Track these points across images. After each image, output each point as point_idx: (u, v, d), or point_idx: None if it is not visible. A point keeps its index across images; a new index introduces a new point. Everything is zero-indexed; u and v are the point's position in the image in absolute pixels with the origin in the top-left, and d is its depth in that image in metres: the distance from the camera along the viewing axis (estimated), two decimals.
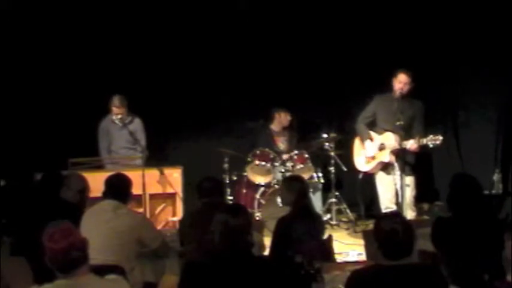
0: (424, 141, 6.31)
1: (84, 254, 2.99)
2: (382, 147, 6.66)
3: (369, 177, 7.03)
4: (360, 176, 7.19)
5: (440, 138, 6.26)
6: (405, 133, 6.45)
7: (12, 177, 7.07)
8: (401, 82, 6.53)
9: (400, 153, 6.43)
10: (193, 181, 5.49)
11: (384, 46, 7.79)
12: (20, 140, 7.55)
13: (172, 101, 8.02)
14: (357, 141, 7.02)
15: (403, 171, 6.48)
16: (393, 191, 6.58)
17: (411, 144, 6.36)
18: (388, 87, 6.65)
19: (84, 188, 4.99)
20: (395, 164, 6.48)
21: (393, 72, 6.59)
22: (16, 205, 6.09)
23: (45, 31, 7.64)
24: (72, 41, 7.73)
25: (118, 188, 4.65)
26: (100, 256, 4.04)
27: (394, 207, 6.49)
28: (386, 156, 6.58)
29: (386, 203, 6.65)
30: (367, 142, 6.79)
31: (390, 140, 6.54)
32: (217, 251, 3.18)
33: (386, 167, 6.66)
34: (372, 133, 6.81)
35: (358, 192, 7.55)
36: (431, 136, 6.28)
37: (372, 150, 6.75)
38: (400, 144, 6.40)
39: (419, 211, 7.04)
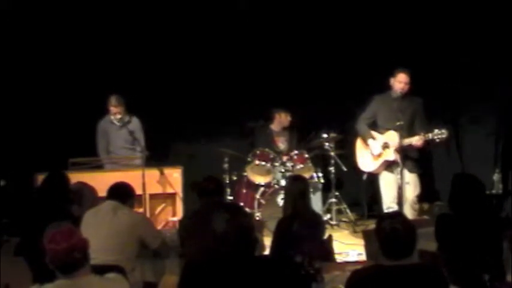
0: (430, 136, 6.30)
1: (85, 254, 3.00)
2: (386, 146, 6.63)
3: (372, 177, 7.02)
4: (364, 176, 7.18)
5: (446, 132, 6.26)
6: (407, 131, 6.44)
7: (12, 177, 7.08)
8: (401, 82, 6.51)
9: (402, 151, 6.42)
10: (193, 181, 5.49)
11: (384, 46, 7.79)
12: (20, 140, 7.55)
13: (172, 101, 8.02)
14: (359, 142, 6.97)
15: (408, 169, 6.49)
16: (396, 190, 6.56)
17: (416, 140, 6.35)
18: (387, 87, 6.64)
19: (95, 203, 4.92)
20: (400, 163, 6.47)
21: (392, 73, 6.58)
22: (16, 205, 6.09)
23: (45, 31, 7.64)
24: (72, 41, 7.73)
25: (119, 190, 4.68)
26: (100, 256, 4.04)
27: (396, 207, 6.48)
28: (391, 155, 6.54)
29: (389, 203, 6.63)
30: (370, 141, 6.75)
31: (393, 138, 6.51)
32: (221, 250, 3.17)
33: (390, 166, 6.63)
34: (374, 133, 6.78)
35: (362, 192, 7.55)
36: (436, 131, 6.28)
37: (376, 149, 6.71)
38: (401, 143, 6.39)
39: (420, 211, 7.02)
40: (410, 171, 6.55)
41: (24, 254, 4.40)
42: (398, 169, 6.46)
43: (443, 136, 6.28)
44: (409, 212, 6.46)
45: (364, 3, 7.84)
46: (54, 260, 2.94)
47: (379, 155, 6.69)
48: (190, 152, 8.16)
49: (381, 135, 6.71)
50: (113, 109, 7.15)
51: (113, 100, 7.13)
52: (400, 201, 6.52)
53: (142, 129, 7.28)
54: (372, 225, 6.97)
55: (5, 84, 7.53)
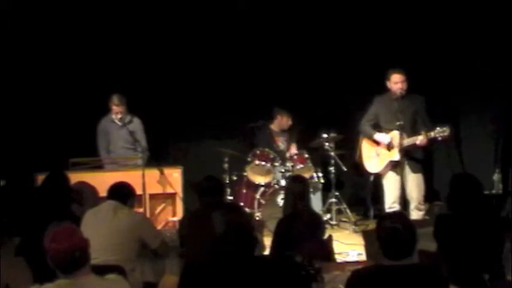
0: (432, 134, 6.26)
1: (86, 254, 3.01)
2: (390, 147, 6.62)
3: (376, 177, 7.02)
4: (371, 178, 7.18)
5: (448, 129, 6.23)
6: (410, 131, 6.43)
7: (12, 177, 7.08)
8: (397, 82, 6.49)
9: (404, 151, 6.42)
10: (193, 181, 5.49)
11: (384, 46, 7.79)
12: (20, 140, 7.55)
13: (172, 101, 8.02)
14: (365, 144, 6.92)
15: (411, 169, 6.49)
16: (398, 190, 6.56)
17: (420, 140, 6.32)
18: (386, 88, 6.64)
19: (96, 202, 4.94)
20: (405, 163, 6.47)
21: (386, 76, 6.56)
22: (16, 205, 6.09)
23: (45, 31, 7.64)
24: (72, 41, 7.74)
25: (119, 190, 4.69)
26: (101, 256, 4.05)
27: (397, 207, 6.48)
28: (396, 155, 6.52)
29: (390, 203, 6.62)
30: (377, 135, 6.69)
31: (397, 138, 6.51)
32: (222, 251, 3.17)
33: (395, 166, 6.62)
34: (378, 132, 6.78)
35: (368, 194, 7.55)
36: (438, 129, 6.25)
37: (385, 139, 6.63)
38: (401, 143, 6.38)
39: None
40: (414, 171, 6.54)
41: (25, 254, 4.40)
42: (403, 169, 6.45)
43: (445, 134, 6.24)
44: (415, 213, 6.47)
45: (364, 3, 7.84)
46: (55, 259, 2.94)
47: (390, 146, 6.64)
48: (190, 152, 8.16)
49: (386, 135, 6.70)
50: (114, 108, 7.13)
51: (115, 99, 7.12)
52: (402, 201, 6.53)
53: (143, 130, 7.29)
54: (372, 225, 6.99)
55: (5, 84, 7.52)
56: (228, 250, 3.15)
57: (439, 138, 6.29)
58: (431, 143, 6.43)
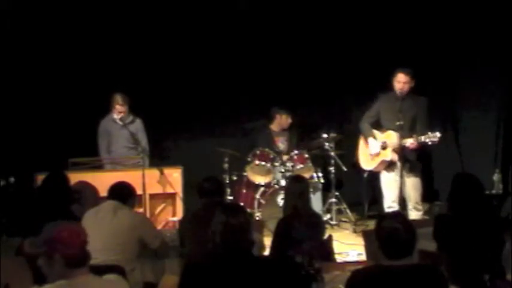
0: (422, 138, 6.28)
1: (88, 254, 3.00)
2: (384, 146, 6.63)
3: (374, 176, 7.03)
4: (365, 174, 7.21)
5: (438, 135, 6.22)
6: (409, 132, 6.43)
7: (12, 177, 7.08)
8: (400, 82, 6.50)
9: (401, 152, 6.43)
10: (193, 181, 5.50)
11: (384, 46, 7.79)
12: (20, 140, 7.55)
13: (172, 101, 8.02)
14: (361, 141, 6.98)
15: (406, 170, 6.49)
16: (396, 190, 6.57)
17: (410, 143, 6.35)
18: (390, 87, 6.64)
19: (96, 202, 4.95)
20: (398, 163, 6.48)
21: (393, 72, 6.58)
22: (17, 205, 6.10)
23: (45, 31, 7.64)
24: (72, 40, 7.73)
25: (119, 189, 4.69)
26: (101, 256, 4.05)
27: (396, 207, 6.49)
28: (389, 155, 6.56)
29: (389, 202, 6.63)
30: (370, 140, 6.75)
31: (392, 138, 6.52)
32: (218, 251, 3.18)
33: (390, 166, 6.63)
34: (376, 132, 6.79)
35: (363, 191, 7.56)
36: (429, 133, 6.26)
37: (375, 148, 6.71)
38: (399, 144, 6.40)
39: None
40: (411, 172, 6.55)
41: (25, 254, 4.40)
42: (399, 170, 6.47)
43: (435, 139, 6.23)
44: (412, 213, 6.48)
45: (364, 3, 7.84)
46: (68, 255, 2.92)
47: (377, 155, 6.70)
48: (190, 151, 8.16)
49: (381, 135, 6.72)
50: (118, 107, 7.12)
51: (119, 99, 7.12)
52: (400, 201, 6.54)
53: (144, 131, 7.29)
54: (372, 225, 6.99)
55: (5, 84, 7.52)
56: (220, 251, 3.15)
57: (429, 143, 6.29)
58: (422, 146, 6.43)
